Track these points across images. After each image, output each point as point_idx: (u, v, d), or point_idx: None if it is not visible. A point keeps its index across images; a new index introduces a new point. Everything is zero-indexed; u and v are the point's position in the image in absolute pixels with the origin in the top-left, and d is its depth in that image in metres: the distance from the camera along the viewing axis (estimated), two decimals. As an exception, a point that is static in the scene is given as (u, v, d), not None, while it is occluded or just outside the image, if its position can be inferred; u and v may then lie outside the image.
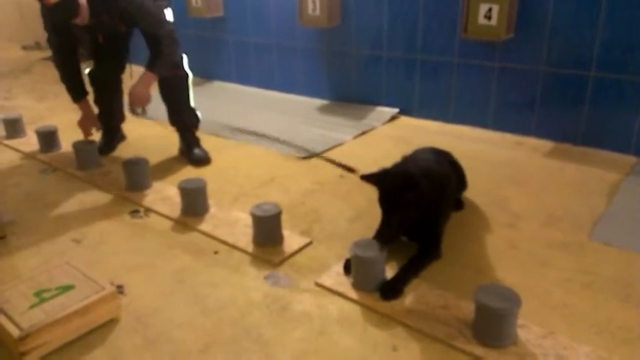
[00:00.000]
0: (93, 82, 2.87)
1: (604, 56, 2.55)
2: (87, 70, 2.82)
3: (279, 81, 3.92)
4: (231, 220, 2.11)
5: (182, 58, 2.71)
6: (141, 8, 2.39)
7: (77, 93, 2.65)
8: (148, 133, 3.20)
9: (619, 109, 2.58)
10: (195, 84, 4.27)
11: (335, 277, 1.73)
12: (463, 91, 3.04)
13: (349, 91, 3.55)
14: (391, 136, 2.97)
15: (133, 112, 2.55)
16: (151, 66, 2.49)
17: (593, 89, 2.62)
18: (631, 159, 2.55)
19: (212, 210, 2.17)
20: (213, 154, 2.84)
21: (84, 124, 2.71)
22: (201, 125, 3.25)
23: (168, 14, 2.62)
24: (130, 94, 2.49)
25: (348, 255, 1.72)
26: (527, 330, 1.45)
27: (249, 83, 4.11)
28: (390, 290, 1.62)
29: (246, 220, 2.01)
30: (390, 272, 1.70)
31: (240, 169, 2.64)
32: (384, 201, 1.68)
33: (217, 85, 4.27)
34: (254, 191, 2.39)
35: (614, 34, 2.50)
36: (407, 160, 1.93)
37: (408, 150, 2.17)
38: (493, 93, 2.94)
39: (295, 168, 2.63)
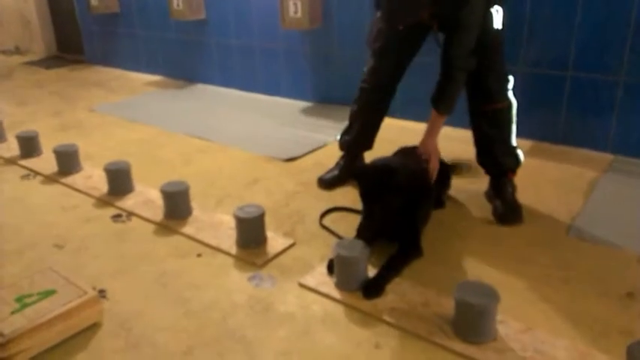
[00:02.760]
0: (365, 95, 2.30)
1: (580, 56, 2.60)
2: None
3: (262, 83, 3.93)
4: (214, 222, 2.11)
5: (507, 81, 2.08)
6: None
7: None
8: (129, 136, 3.19)
9: (596, 108, 2.63)
10: (178, 87, 4.31)
11: (318, 277, 1.74)
12: (444, 92, 3.07)
13: (332, 92, 3.57)
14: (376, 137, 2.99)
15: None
16: (435, 101, 2.02)
17: (570, 89, 2.67)
18: (608, 156, 2.60)
19: (195, 213, 2.17)
20: (196, 157, 2.85)
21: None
22: (185, 128, 3.26)
23: (498, 16, 1.99)
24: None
25: (331, 255, 1.73)
26: (507, 325, 1.47)
27: (232, 86, 4.12)
28: (372, 289, 1.64)
29: (230, 223, 2.02)
30: (372, 271, 1.71)
31: (224, 172, 2.64)
32: (367, 193, 1.72)
33: (201, 87, 4.27)
34: (237, 193, 2.39)
35: (590, 34, 2.55)
36: (386, 157, 1.96)
37: (391, 150, 2.19)
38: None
39: (279, 170, 2.64)
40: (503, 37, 2.05)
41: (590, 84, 2.61)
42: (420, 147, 2.05)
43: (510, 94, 2.08)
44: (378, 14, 2.04)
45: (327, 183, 2.40)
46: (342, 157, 2.46)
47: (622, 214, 2.09)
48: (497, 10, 1.97)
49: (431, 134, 2.05)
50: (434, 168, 2.01)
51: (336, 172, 2.43)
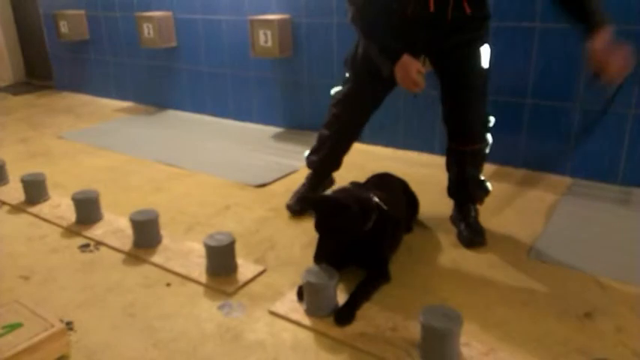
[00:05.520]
0: (336, 122, 2.25)
1: (538, 85, 2.72)
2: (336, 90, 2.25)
3: (233, 109, 3.97)
4: (184, 250, 2.11)
5: (488, 122, 2.14)
6: None
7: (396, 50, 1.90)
8: (98, 164, 3.17)
9: (554, 134, 2.74)
10: (148, 113, 4.31)
11: (288, 304, 1.76)
12: (411, 119, 3.16)
13: (303, 118, 3.63)
14: (344, 162, 3.04)
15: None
16: (601, 17, 1.74)
17: (529, 115, 2.79)
18: (567, 180, 2.71)
19: (165, 241, 2.17)
20: (166, 184, 2.85)
21: (409, 76, 1.87)
22: (155, 155, 3.26)
23: (486, 55, 2.04)
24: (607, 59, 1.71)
25: (301, 282, 1.76)
26: (470, 347, 1.52)
27: (203, 112, 4.14)
28: (344, 316, 1.67)
29: (200, 251, 2.02)
30: (341, 297, 1.74)
31: (194, 199, 2.65)
32: (319, 226, 1.77)
33: (172, 113, 4.28)
34: (208, 221, 2.40)
35: (546, 64, 2.68)
36: (350, 187, 2.00)
37: (361, 175, 2.25)
38: (439, 120, 3.06)
39: (250, 196, 2.66)
40: (489, 76, 2.08)
41: (548, 111, 2.73)
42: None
43: (488, 134, 2.15)
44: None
45: (296, 210, 2.41)
46: (308, 178, 2.47)
47: (580, 236, 2.17)
48: (485, 49, 2.01)
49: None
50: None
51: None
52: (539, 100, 2.74)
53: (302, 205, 2.25)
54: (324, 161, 2.40)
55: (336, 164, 2.43)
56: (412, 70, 1.87)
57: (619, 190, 2.58)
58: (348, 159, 2.45)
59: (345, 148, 2.38)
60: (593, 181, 2.67)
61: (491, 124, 2.14)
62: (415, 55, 1.95)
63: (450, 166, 2.21)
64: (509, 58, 2.76)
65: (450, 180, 2.23)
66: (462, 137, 2.11)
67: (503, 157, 2.89)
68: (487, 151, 2.18)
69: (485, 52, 2.01)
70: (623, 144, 2.59)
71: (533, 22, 2.66)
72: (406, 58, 1.87)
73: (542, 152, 2.80)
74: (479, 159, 2.17)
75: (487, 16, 2.00)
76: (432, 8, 1.86)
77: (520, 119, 2.81)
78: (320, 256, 1.75)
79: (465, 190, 2.20)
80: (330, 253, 1.74)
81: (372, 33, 1.95)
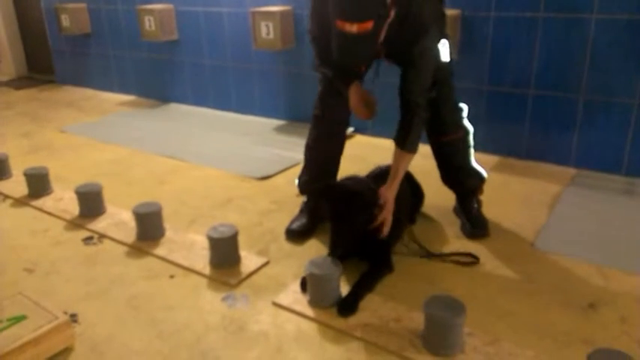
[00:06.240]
0: (319, 124, 2.19)
1: (541, 75, 2.70)
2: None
3: (235, 102, 3.96)
4: (187, 243, 2.11)
5: (461, 111, 2.13)
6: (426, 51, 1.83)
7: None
8: (101, 157, 3.17)
9: (558, 124, 2.73)
10: (151, 106, 4.30)
11: (292, 295, 1.76)
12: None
13: (305, 111, 3.61)
14: (347, 155, 3.01)
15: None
16: (399, 139, 1.90)
17: (533, 106, 2.77)
18: (571, 171, 2.70)
19: (168, 234, 2.17)
20: (169, 177, 2.85)
21: (358, 107, 1.99)
22: (157, 148, 3.26)
23: (445, 50, 1.97)
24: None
25: (304, 273, 1.76)
26: (474, 337, 1.52)
27: (205, 105, 4.14)
28: (347, 307, 1.67)
29: (203, 243, 2.02)
30: (344, 288, 1.74)
31: (197, 191, 2.65)
32: (334, 213, 1.77)
33: (174, 107, 4.27)
34: (211, 213, 2.40)
35: (549, 54, 2.66)
36: (356, 176, 2.00)
37: (364, 167, 2.24)
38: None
39: (252, 188, 2.66)
40: (452, 69, 2.07)
41: (551, 101, 2.72)
42: (381, 194, 1.86)
43: (465, 121, 2.14)
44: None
45: (298, 234, 2.15)
46: (305, 202, 2.27)
47: (584, 226, 2.17)
48: (443, 44, 1.97)
49: (393, 182, 1.88)
50: (387, 221, 1.84)
51: (304, 220, 2.20)
52: (543, 90, 2.72)
53: (312, 194, 2.22)
54: (316, 177, 2.18)
55: (331, 169, 2.20)
56: (353, 105, 1.98)
57: (623, 181, 2.57)
58: (352, 151, 2.44)
59: (332, 155, 2.21)
60: (597, 171, 2.66)
61: (464, 113, 2.14)
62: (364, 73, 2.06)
63: (435, 158, 2.21)
64: (513, 48, 2.74)
65: (440, 170, 2.23)
66: (438, 129, 2.10)
67: (507, 147, 2.89)
68: (470, 139, 2.16)
69: (443, 47, 1.96)
70: (627, 134, 2.58)
71: (536, 12, 2.63)
72: (350, 92, 1.97)
73: (545, 143, 2.79)
74: (461, 148, 2.15)
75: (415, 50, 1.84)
76: (363, 69, 2.01)
77: (523, 110, 2.80)
78: (338, 248, 1.77)
79: (456, 180, 2.20)
80: (345, 245, 1.75)
81: (323, 61, 2.06)
